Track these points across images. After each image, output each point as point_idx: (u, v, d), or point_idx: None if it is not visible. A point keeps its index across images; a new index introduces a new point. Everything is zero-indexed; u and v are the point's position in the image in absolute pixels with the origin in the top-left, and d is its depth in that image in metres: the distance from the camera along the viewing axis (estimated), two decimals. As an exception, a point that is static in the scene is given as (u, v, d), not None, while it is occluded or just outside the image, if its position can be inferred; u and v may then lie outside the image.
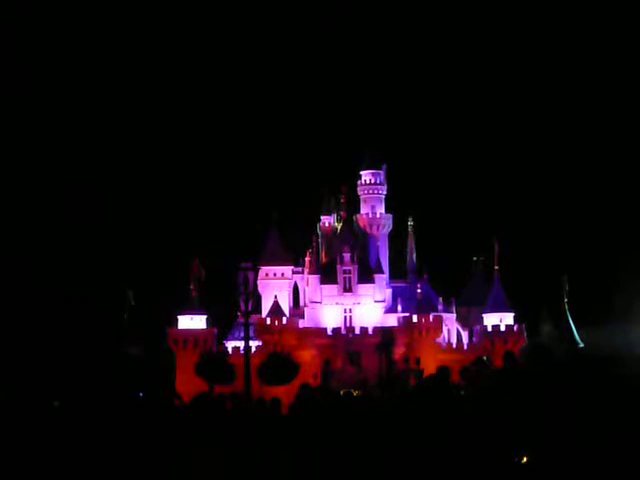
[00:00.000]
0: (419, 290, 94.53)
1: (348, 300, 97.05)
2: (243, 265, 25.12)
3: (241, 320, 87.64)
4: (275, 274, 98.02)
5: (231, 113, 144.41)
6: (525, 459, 16.05)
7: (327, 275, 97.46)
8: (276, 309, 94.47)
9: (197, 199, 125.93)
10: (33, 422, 19.13)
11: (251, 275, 25.17)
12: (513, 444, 16.05)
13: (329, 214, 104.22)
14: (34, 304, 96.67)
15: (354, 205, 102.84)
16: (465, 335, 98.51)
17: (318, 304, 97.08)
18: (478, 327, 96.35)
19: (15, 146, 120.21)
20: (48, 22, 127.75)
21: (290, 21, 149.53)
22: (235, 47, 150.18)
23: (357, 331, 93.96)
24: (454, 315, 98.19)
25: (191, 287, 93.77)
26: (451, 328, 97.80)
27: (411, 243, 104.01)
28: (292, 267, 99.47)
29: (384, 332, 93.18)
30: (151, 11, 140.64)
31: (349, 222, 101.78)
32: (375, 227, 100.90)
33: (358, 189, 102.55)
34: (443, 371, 18.31)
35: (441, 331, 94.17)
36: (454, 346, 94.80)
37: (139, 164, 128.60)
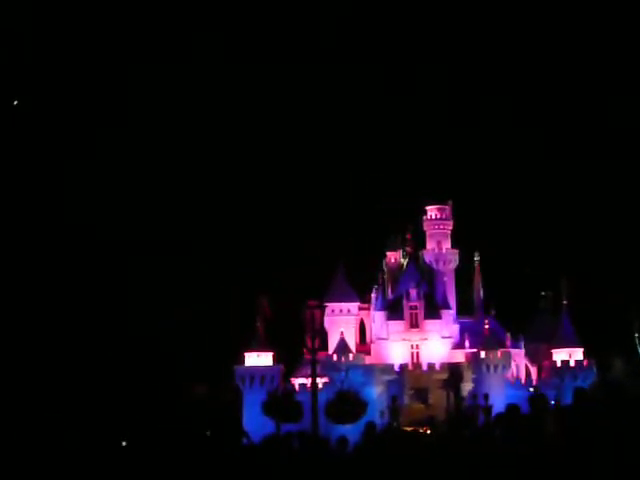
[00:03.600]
0: (487, 325, 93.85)
1: (415, 336, 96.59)
2: (310, 303, 25.15)
3: (308, 357, 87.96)
4: (341, 310, 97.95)
5: (298, 149, 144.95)
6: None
7: (393, 311, 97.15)
8: (343, 346, 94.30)
9: (265, 236, 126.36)
10: (102, 463, 19.24)
11: (317, 313, 25.17)
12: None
13: (395, 250, 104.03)
14: (105, 342, 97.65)
15: (420, 241, 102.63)
16: (534, 371, 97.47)
17: (385, 340, 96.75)
18: (547, 363, 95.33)
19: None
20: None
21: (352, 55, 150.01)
22: (294, 90, 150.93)
23: (424, 367, 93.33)
24: (522, 350, 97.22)
25: (258, 324, 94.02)
26: (519, 364, 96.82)
27: (478, 278, 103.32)
28: (358, 303, 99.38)
29: (452, 368, 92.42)
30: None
31: (415, 258, 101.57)
32: (441, 262, 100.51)
33: (424, 224, 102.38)
34: (512, 409, 18.09)
35: (509, 367, 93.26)
36: (522, 382, 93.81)
37: (202, 200, 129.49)
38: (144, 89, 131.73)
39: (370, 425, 21.93)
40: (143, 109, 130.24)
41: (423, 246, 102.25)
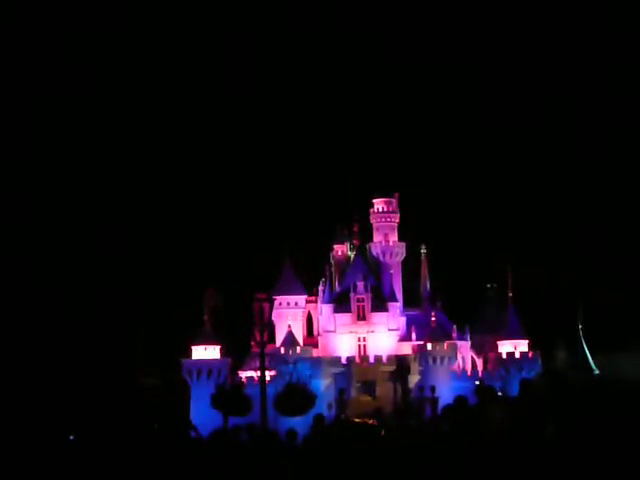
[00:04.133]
0: (433, 318, 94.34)
1: (362, 329, 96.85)
2: (259, 295, 25.14)
3: (256, 350, 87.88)
4: (289, 303, 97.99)
5: (243, 144, 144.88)
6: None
7: (341, 304, 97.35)
8: (290, 339, 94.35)
9: (210, 230, 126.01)
10: (48, 455, 19.09)
11: (266, 305, 25.17)
12: (531, 473, 15.93)
13: (342, 243, 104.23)
14: (47, 336, 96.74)
15: (367, 233, 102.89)
16: (480, 363, 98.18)
17: (332, 333, 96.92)
18: (493, 354, 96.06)
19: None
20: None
21: (303, 49, 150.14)
22: (243, 82, 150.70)
23: (371, 360, 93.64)
24: (468, 342, 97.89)
25: (205, 317, 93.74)
26: (465, 356, 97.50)
27: (424, 270, 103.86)
28: (306, 296, 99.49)
29: (399, 360, 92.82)
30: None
31: (362, 250, 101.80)
32: (388, 255, 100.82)
33: (371, 217, 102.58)
34: (460, 400, 18.22)
35: (456, 359, 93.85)
36: (469, 374, 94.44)
37: (153, 195, 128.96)
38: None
39: (319, 418, 21.97)
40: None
41: (370, 239, 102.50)
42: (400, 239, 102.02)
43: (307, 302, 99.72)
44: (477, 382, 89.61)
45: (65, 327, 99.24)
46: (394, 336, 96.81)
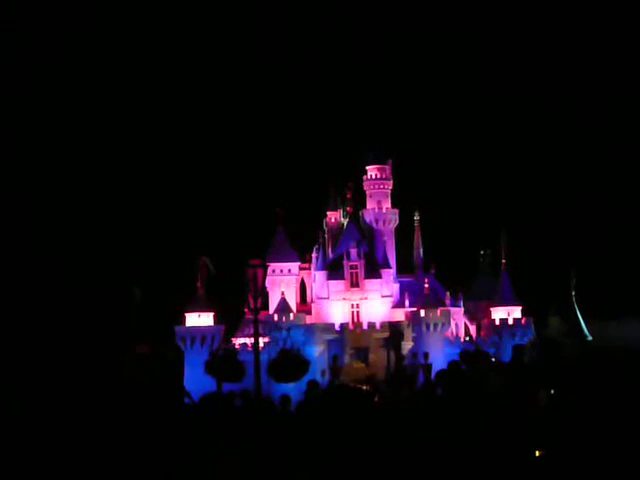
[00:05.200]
0: (426, 284, 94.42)
1: (355, 295, 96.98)
2: (252, 262, 25.06)
3: (249, 317, 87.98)
4: (282, 270, 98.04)
5: (236, 111, 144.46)
6: (538, 453, 16.00)
7: (334, 271, 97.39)
8: (283, 306, 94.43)
9: (204, 197, 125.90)
10: (40, 422, 19.08)
11: (260, 272, 25.10)
12: (526, 438, 16.00)
13: (335, 210, 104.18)
14: (37, 300, 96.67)
15: (360, 200, 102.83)
16: (473, 329, 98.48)
17: (325, 300, 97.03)
18: (486, 321, 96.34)
19: (20, 141, 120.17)
20: (49, 24, 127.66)
21: (294, 18, 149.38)
22: (238, 45, 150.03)
23: (365, 326, 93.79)
24: (462, 309, 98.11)
25: (198, 285, 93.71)
26: (459, 322, 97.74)
27: (417, 237, 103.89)
28: (299, 263, 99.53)
29: (392, 327, 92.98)
30: (155, 14, 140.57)
31: (355, 217, 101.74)
32: (381, 222, 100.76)
33: (364, 184, 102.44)
34: (453, 365, 18.26)
35: (449, 325, 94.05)
36: (462, 340, 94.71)
37: (147, 161, 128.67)
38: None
39: (312, 383, 21.99)
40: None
41: (363, 206, 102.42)
42: (393, 206, 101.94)
43: (300, 269, 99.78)
44: (470, 344, 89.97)
45: (59, 295, 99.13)
46: (387, 303, 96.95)
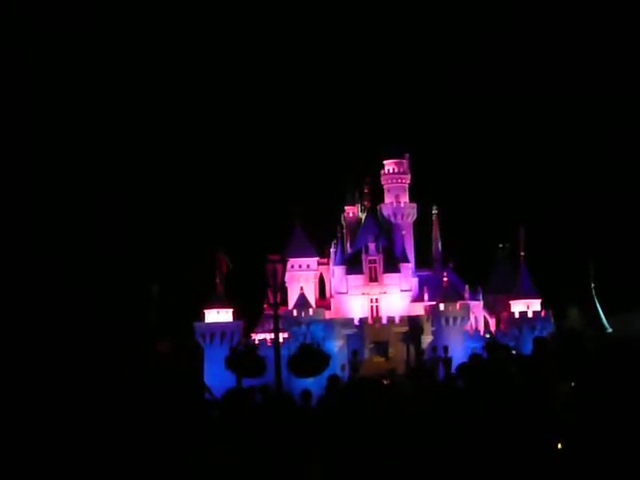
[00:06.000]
0: (445, 278, 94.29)
1: (374, 290, 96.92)
2: (271, 257, 25.07)
3: (269, 312, 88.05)
4: (301, 266, 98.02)
5: (256, 106, 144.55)
6: (560, 445, 15.97)
7: (352, 265, 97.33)
8: (303, 301, 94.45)
9: (222, 193, 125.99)
10: (63, 419, 19.17)
11: (279, 267, 25.11)
12: (547, 430, 15.97)
13: (353, 204, 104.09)
14: (59, 301, 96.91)
15: (378, 195, 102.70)
16: (492, 323, 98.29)
17: (344, 294, 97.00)
18: (505, 314, 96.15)
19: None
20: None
21: (320, 14, 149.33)
22: (256, 39, 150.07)
23: (384, 321, 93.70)
24: (481, 303, 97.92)
25: (217, 281, 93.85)
26: (478, 316, 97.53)
27: (436, 231, 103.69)
28: (317, 258, 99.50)
29: (411, 321, 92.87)
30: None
31: (373, 212, 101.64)
32: (400, 216, 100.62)
33: (382, 178, 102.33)
34: (475, 358, 18.23)
35: (468, 319, 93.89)
36: (481, 333, 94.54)
37: (167, 159, 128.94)
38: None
39: (333, 378, 22.01)
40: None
41: (381, 200, 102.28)
42: (411, 200, 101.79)
43: (319, 264, 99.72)
44: (488, 338, 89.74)
45: (77, 294, 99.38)
46: (406, 297, 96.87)
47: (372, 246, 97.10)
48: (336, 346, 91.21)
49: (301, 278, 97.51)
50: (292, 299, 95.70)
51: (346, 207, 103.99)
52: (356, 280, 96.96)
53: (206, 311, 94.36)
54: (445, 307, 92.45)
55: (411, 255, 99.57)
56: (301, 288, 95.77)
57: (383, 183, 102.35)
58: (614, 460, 16.13)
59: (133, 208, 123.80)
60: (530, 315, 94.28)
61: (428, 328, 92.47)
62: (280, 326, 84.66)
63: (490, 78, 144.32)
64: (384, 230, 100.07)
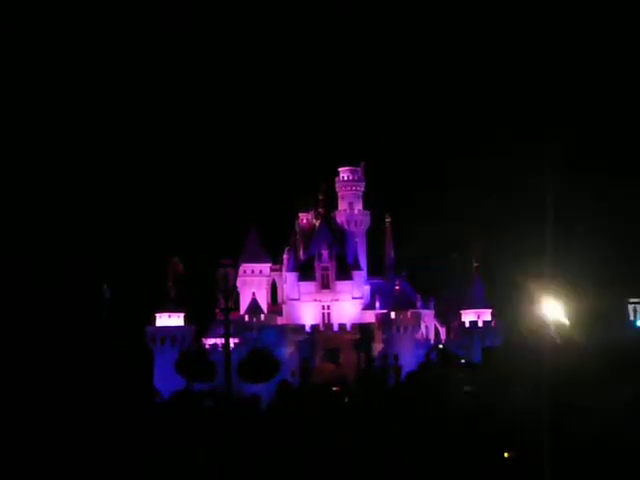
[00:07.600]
0: (397, 287, 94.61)
1: (326, 297, 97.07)
2: (223, 262, 25.04)
3: (220, 317, 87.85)
4: (253, 271, 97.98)
5: (210, 113, 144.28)
6: (507, 455, 16.12)
7: (305, 272, 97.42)
8: (254, 306, 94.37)
9: (176, 198, 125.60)
10: (17, 420, 19.10)
11: (231, 272, 25.09)
12: (494, 439, 16.12)
13: (307, 211, 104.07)
14: (8, 300, 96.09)
15: (332, 202, 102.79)
16: (443, 331, 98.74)
17: (296, 301, 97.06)
18: (456, 323, 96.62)
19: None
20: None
21: (270, 25, 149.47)
22: (214, 52, 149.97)
23: (335, 328, 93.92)
24: (432, 311, 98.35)
25: (169, 285, 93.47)
26: (429, 324, 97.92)
27: (389, 240, 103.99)
28: (270, 264, 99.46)
29: (362, 329, 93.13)
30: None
31: (327, 219, 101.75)
32: (353, 224, 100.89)
33: (336, 186, 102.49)
34: (424, 367, 18.35)
35: (419, 327, 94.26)
36: (432, 342, 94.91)
37: (120, 164, 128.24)
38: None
39: (283, 384, 22.05)
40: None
41: (335, 207, 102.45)
42: (365, 208, 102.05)
43: (272, 270, 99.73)
44: (439, 346, 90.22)
45: (29, 294, 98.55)
46: (358, 304, 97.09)
47: (325, 253, 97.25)
48: (287, 352, 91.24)
49: (254, 283, 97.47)
50: (244, 304, 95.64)
51: (300, 214, 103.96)
52: (308, 287, 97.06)
53: (157, 315, 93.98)
54: (396, 315, 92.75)
55: (364, 263, 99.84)
56: (253, 293, 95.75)
57: (337, 190, 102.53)
58: (562, 469, 16.32)
59: (89, 209, 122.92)
60: (480, 325, 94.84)
61: (379, 336, 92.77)
62: (231, 331, 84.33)
63: (443, 85, 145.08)
64: (337, 237, 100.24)
